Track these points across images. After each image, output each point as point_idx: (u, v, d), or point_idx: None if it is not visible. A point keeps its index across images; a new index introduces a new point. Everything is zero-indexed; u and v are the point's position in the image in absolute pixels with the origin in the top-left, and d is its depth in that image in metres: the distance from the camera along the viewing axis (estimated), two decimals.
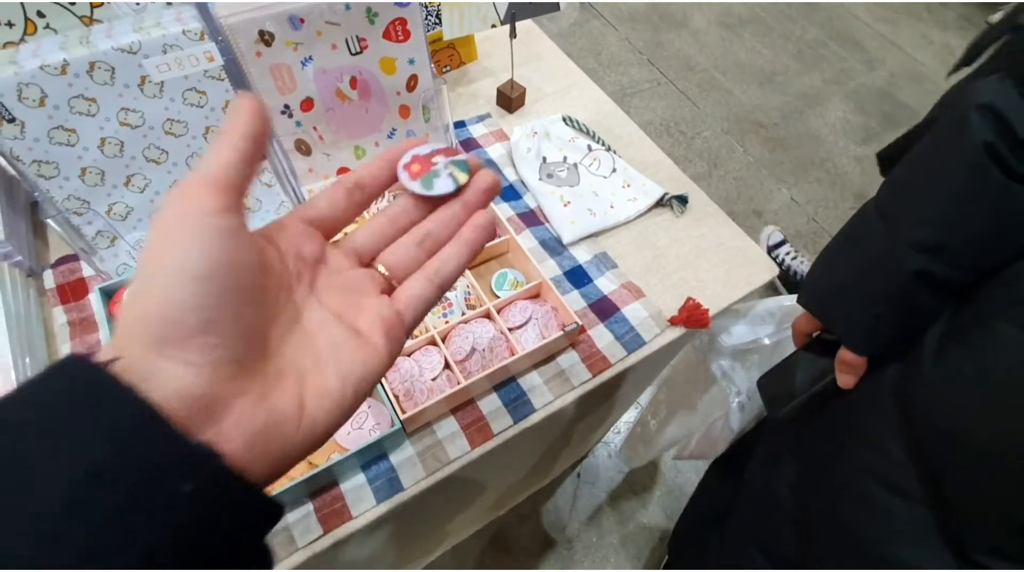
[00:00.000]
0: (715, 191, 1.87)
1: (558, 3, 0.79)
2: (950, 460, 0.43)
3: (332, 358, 0.23)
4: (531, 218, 0.75)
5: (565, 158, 0.81)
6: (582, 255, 0.72)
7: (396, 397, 0.56)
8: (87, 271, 0.65)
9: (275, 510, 0.20)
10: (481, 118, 0.86)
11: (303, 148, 0.69)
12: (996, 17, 0.67)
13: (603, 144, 0.83)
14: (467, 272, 0.65)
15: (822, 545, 0.54)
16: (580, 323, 0.61)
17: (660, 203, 0.78)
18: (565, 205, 0.75)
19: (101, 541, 0.15)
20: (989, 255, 0.43)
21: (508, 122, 0.87)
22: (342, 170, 0.73)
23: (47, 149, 0.53)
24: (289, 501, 0.52)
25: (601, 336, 0.65)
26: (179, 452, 0.17)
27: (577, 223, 0.73)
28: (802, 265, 1.61)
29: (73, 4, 0.52)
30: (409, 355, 0.60)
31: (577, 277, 0.70)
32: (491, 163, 0.81)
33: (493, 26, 0.78)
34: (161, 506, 0.16)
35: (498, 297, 0.65)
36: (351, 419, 0.55)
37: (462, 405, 0.59)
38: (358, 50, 0.63)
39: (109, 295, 0.60)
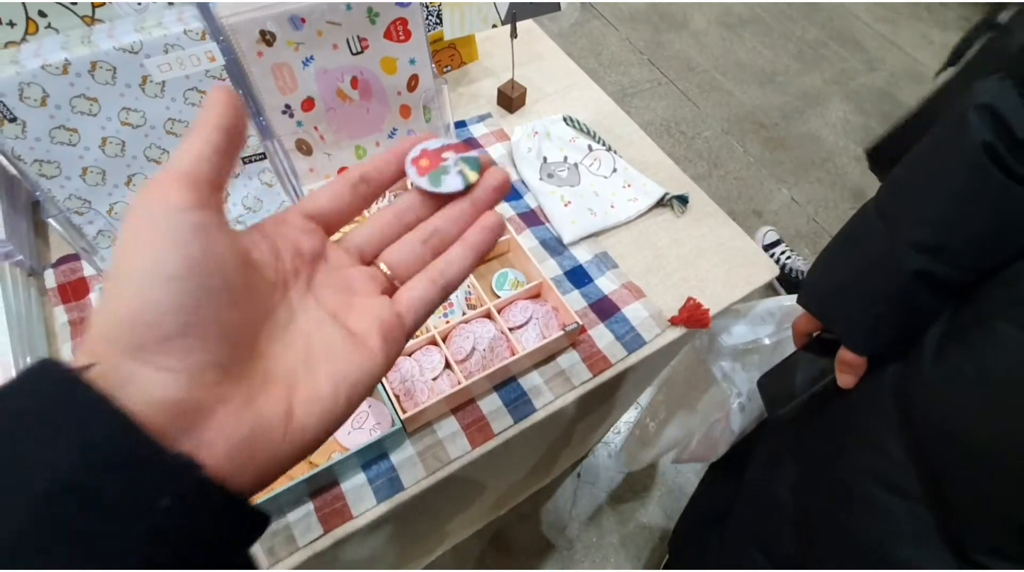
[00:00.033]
0: (715, 191, 1.87)
1: (559, 3, 0.79)
2: (950, 460, 0.43)
3: (325, 361, 0.22)
4: (532, 218, 0.75)
5: (566, 158, 0.81)
6: (583, 255, 0.72)
7: (397, 397, 0.57)
8: (88, 270, 0.65)
9: (260, 520, 0.19)
10: (482, 118, 0.86)
11: (304, 148, 0.69)
12: (1004, 16, 0.67)
13: (604, 144, 0.83)
14: None
15: (822, 545, 0.54)
16: (580, 323, 0.61)
17: (660, 203, 0.78)
18: (566, 205, 0.75)
19: (70, 558, 0.14)
20: (989, 255, 0.43)
21: (509, 122, 0.87)
22: (343, 170, 0.73)
23: (48, 148, 0.53)
24: (289, 500, 0.52)
25: (601, 336, 0.65)
26: (156, 464, 0.16)
27: (578, 223, 0.73)
28: (798, 263, 1.61)
29: (75, 4, 0.52)
30: (410, 355, 0.60)
31: (578, 277, 0.70)
32: None
33: (494, 26, 0.78)
34: (137, 521, 0.15)
35: (499, 297, 0.65)
36: (352, 418, 0.55)
37: (463, 405, 0.59)
38: (359, 50, 0.63)
39: None
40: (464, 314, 0.62)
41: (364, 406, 0.56)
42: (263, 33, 0.58)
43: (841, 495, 0.52)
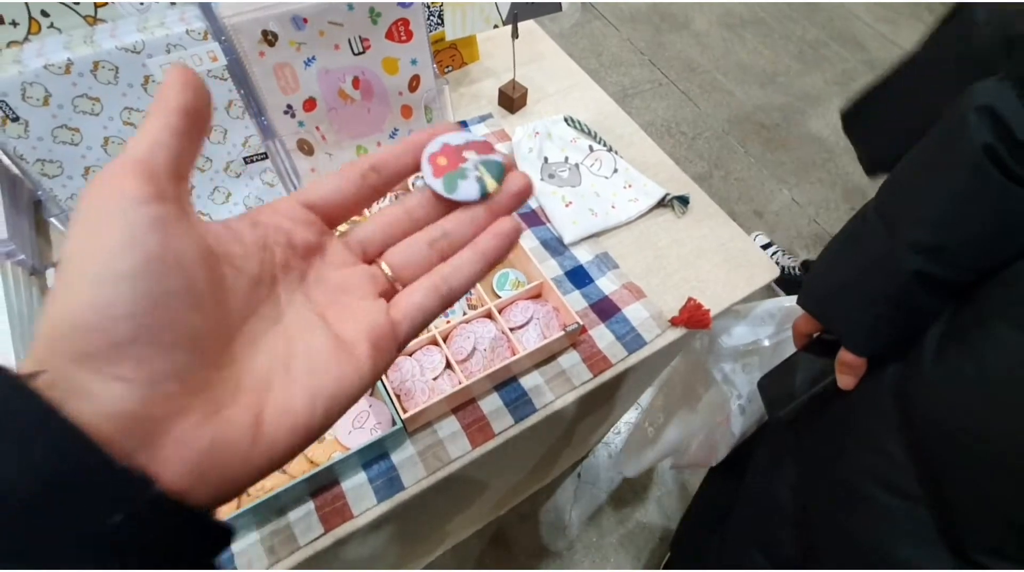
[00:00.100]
0: (716, 192, 1.87)
1: (560, 3, 0.79)
2: (950, 460, 0.43)
3: (305, 370, 0.20)
4: (533, 218, 0.76)
5: (567, 158, 0.81)
6: (583, 255, 0.72)
7: (397, 396, 0.57)
8: None
9: (222, 534, 0.18)
10: (483, 118, 0.86)
11: (306, 148, 0.69)
12: None
13: (604, 144, 0.83)
14: None
15: (823, 546, 0.54)
16: (581, 323, 0.61)
17: (661, 203, 0.78)
18: (567, 205, 0.75)
19: None
20: (988, 256, 0.43)
21: (510, 122, 0.87)
22: None
23: (51, 148, 0.53)
24: (290, 499, 0.52)
25: (602, 336, 0.65)
26: (107, 480, 0.15)
27: (578, 223, 0.73)
28: (792, 262, 1.63)
29: (77, 4, 0.52)
30: (410, 355, 0.60)
31: (578, 277, 0.70)
32: None
33: (495, 26, 0.78)
34: (87, 539, 0.14)
35: (499, 297, 0.65)
36: (352, 418, 0.55)
37: (463, 405, 0.59)
38: (361, 50, 0.64)
39: None
40: (465, 314, 0.63)
41: (365, 405, 0.56)
42: (265, 33, 0.58)
43: (841, 496, 0.52)
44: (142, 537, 0.15)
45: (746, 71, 2.26)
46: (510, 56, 0.85)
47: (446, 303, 0.23)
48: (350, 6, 0.59)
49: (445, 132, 0.25)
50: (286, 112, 0.65)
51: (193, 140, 0.19)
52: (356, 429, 0.55)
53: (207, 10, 0.55)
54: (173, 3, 0.56)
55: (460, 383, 0.56)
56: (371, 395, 0.58)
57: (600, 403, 0.88)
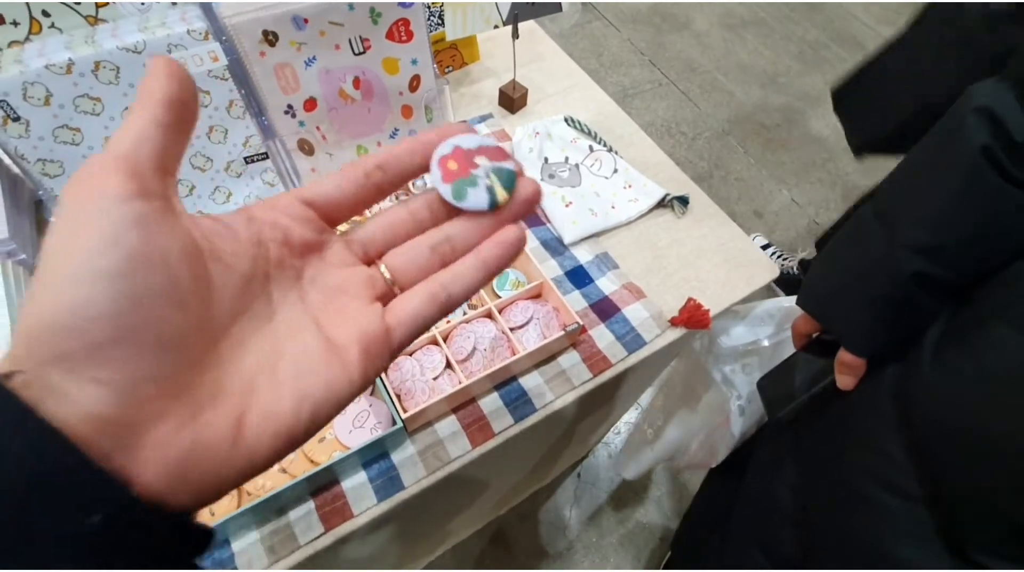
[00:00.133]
0: (716, 192, 1.87)
1: (560, 4, 0.79)
2: (950, 460, 0.43)
3: (292, 373, 0.19)
4: (533, 218, 0.76)
5: (567, 158, 0.81)
6: (583, 255, 0.72)
7: (397, 396, 0.57)
8: None
9: (203, 536, 0.18)
10: (483, 118, 0.86)
11: (306, 148, 0.69)
12: None
13: (604, 145, 0.83)
14: None
15: (823, 546, 0.54)
16: (581, 323, 0.61)
17: (661, 204, 0.78)
18: (567, 205, 0.75)
19: None
20: (987, 256, 0.43)
21: (510, 122, 0.87)
22: None
23: (52, 148, 0.53)
24: (290, 499, 0.52)
25: (602, 336, 0.65)
26: (83, 482, 0.15)
27: (578, 223, 0.74)
28: (791, 262, 1.63)
29: (78, 4, 0.53)
30: (411, 354, 0.60)
31: (578, 277, 0.70)
32: None
33: (496, 27, 0.78)
34: (65, 539, 0.14)
35: (499, 297, 0.65)
36: (352, 417, 0.55)
37: (463, 404, 0.59)
38: (361, 50, 0.64)
39: None
40: (465, 314, 0.63)
41: (365, 405, 0.56)
42: (266, 33, 0.58)
43: (841, 496, 0.52)
44: (121, 538, 0.15)
45: (746, 71, 2.26)
46: (510, 56, 0.85)
47: (444, 311, 0.23)
48: (351, 6, 0.60)
49: (457, 133, 0.24)
50: (287, 112, 0.65)
51: (180, 133, 0.19)
52: (356, 428, 0.55)
53: (208, 10, 0.55)
54: (174, 3, 0.56)
55: (460, 383, 0.57)
56: (371, 394, 0.58)
57: (600, 403, 0.88)
